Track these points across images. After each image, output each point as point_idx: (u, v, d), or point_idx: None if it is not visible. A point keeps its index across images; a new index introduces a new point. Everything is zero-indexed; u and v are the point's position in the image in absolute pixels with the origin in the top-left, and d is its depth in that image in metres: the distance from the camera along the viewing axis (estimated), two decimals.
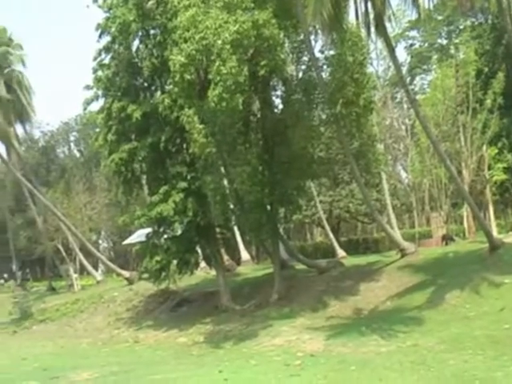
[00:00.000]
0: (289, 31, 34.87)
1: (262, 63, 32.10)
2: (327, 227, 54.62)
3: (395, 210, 52.87)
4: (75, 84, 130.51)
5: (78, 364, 30.24)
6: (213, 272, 44.20)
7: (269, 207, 36.76)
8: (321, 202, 55.53)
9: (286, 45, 35.80)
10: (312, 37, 35.84)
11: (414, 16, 37.13)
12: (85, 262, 65.32)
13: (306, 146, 36.05)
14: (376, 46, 51.90)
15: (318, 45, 37.52)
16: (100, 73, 41.05)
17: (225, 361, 26.32)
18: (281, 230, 43.67)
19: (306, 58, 37.00)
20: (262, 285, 40.04)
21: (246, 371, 23.31)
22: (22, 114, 67.47)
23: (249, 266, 53.18)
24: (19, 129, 70.79)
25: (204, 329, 35.60)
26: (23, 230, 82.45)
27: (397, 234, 41.79)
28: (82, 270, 70.64)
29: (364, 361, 22.00)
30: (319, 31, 35.23)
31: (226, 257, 46.11)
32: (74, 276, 64.57)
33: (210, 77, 30.92)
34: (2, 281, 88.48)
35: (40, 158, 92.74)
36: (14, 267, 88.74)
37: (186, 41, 31.45)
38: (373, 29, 33.04)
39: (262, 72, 32.41)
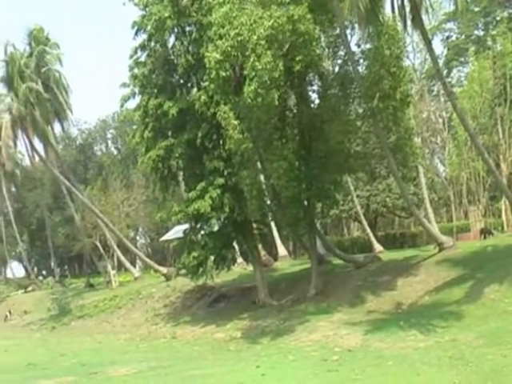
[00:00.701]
0: (324, 26, 34.71)
1: (298, 58, 32.02)
2: (364, 222, 54.39)
3: (433, 203, 52.41)
4: (112, 82, 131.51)
5: (116, 359, 30.56)
6: (250, 267, 44.23)
7: (306, 202, 36.71)
8: (358, 196, 55.27)
9: (322, 39, 35.55)
10: (348, 31, 35.83)
11: (451, 8, 36.86)
12: (122, 259, 65.70)
13: (343, 141, 35.93)
14: (412, 38, 51.47)
15: (354, 39, 37.31)
16: (136, 70, 41.37)
17: (262, 356, 26.38)
18: (318, 225, 43.59)
19: (342, 53, 36.88)
20: (299, 280, 40.05)
21: (283, 366, 23.38)
22: (60, 113, 67.96)
23: (286, 262, 53.17)
24: (57, 127, 71.51)
25: (241, 324, 35.71)
26: (61, 228, 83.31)
27: (434, 228, 41.42)
28: (120, 267, 70.91)
29: (402, 356, 21.93)
30: (355, 25, 35.12)
31: (263, 252, 46.07)
32: (112, 272, 65.00)
33: (246, 73, 31.01)
34: (41, 277, 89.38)
35: (78, 155, 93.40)
36: (53, 264, 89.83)
37: (221, 37, 31.56)
38: (409, 21, 32.83)
39: (297, 67, 32.35)
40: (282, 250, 55.62)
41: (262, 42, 29.94)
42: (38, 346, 42.54)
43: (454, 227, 49.94)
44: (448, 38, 77.11)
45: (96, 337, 42.76)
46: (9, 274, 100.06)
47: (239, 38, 30.46)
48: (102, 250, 68.28)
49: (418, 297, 32.19)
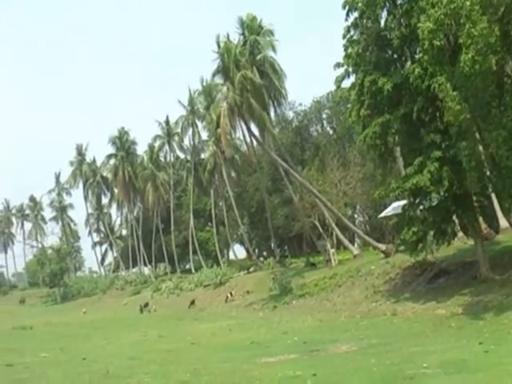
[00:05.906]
0: None
1: None
2: None
3: None
4: (324, 62, 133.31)
5: (336, 337, 31.18)
6: (470, 241, 43.22)
7: None
8: None
9: None
10: None
11: None
12: (341, 237, 66.52)
13: None
14: None
15: None
16: (350, 49, 41.62)
17: (485, 332, 25.95)
18: None
19: None
20: None
21: (507, 343, 22.95)
22: (275, 97, 69.82)
23: (508, 234, 51.24)
24: (273, 111, 73.56)
25: (462, 300, 35.05)
26: (280, 209, 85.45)
27: None
28: (339, 245, 71.93)
29: None
30: None
31: (483, 225, 44.73)
32: (331, 251, 65.97)
33: (460, 41, 30.24)
34: (262, 258, 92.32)
35: (294, 137, 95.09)
36: (273, 245, 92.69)
37: (433, 6, 30.97)
38: None
39: None
40: (503, 223, 53.62)
41: (477, 8, 29.03)
42: (260, 324, 44.17)
43: None
44: None
45: (316, 315, 43.65)
46: (231, 256, 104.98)
47: (452, 6, 29.70)
48: (320, 229, 69.41)
49: None
